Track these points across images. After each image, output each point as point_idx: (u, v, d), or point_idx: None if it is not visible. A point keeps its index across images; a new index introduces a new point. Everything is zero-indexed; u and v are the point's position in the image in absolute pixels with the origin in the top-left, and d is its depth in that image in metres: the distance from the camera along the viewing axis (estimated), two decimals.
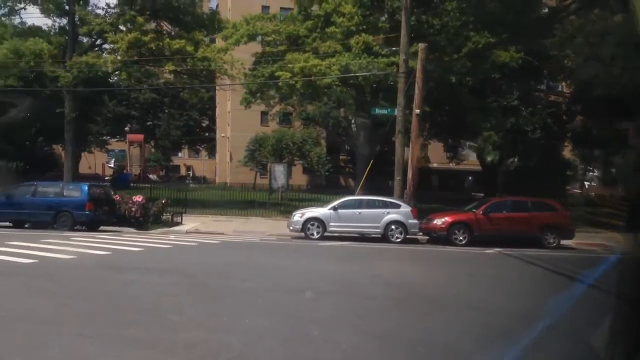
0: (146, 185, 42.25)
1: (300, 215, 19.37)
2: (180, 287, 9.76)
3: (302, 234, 19.11)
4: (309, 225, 19.07)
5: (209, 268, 11.97)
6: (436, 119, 32.50)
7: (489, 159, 29.51)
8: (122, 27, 26.73)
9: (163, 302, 8.55)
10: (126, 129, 55.69)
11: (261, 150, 41.64)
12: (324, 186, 47.56)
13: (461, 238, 18.71)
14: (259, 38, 26.94)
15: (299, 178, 50.21)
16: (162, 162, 69.82)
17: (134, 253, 13.83)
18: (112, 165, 62.36)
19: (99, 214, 19.57)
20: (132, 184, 44.98)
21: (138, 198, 21.49)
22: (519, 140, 31.10)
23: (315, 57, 23.73)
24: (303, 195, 31.48)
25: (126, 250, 14.17)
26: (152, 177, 58.90)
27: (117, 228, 20.59)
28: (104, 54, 27.42)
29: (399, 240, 18.80)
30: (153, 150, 70.05)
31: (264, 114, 51.52)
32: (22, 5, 27.35)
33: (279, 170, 30.77)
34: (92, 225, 19.57)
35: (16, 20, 27.99)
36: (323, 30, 25.35)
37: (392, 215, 19.06)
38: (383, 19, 25.57)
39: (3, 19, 27.64)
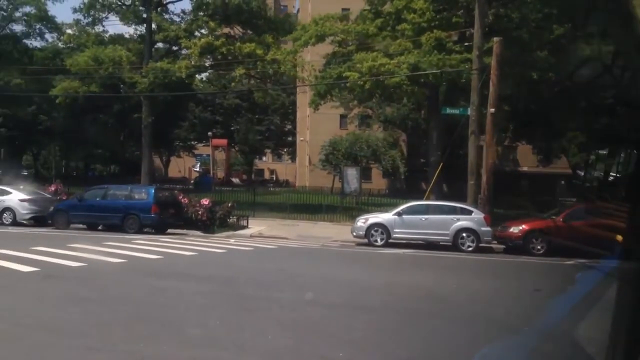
0: (227, 188, 43.03)
1: (363, 221, 18.53)
2: (214, 296, 9.30)
3: (366, 240, 18.26)
4: (372, 232, 18.19)
5: (252, 276, 11.44)
6: (521, 119, 30.39)
7: (573, 161, 27.07)
8: (197, 33, 27.15)
9: (189, 313, 8.13)
10: (209, 133, 57.05)
11: (335, 154, 41.08)
12: (403, 190, 46.20)
13: (539, 247, 17.11)
14: (329, 39, 26.29)
15: (379, 182, 49.17)
16: (244, 166, 71.15)
17: (185, 257, 13.59)
18: (197, 169, 64.32)
19: (165, 217, 19.69)
20: (214, 188, 45.99)
21: (205, 201, 21.51)
22: (613, 141, 28.41)
23: (384, 56, 22.78)
24: (378, 200, 30.50)
25: (179, 254, 13.98)
26: (235, 180, 60.11)
27: (183, 231, 20.68)
28: (179, 60, 27.92)
29: (470, 249, 17.46)
30: (238, 154, 71.58)
31: (342, 117, 51.03)
32: (105, 15, 28.49)
33: (351, 173, 29.97)
34: (159, 228, 19.73)
35: (99, 29, 29.20)
36: (393, 28, 24.37)
37: (462, 222, 17.76)
38: (458, 13, 24.14)
39: (87, 28, 28.89)
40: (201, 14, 26.57)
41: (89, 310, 8.00)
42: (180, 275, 11.04)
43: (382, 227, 18.15)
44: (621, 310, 4.02)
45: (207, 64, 26.94)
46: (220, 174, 62.99)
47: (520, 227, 17.56)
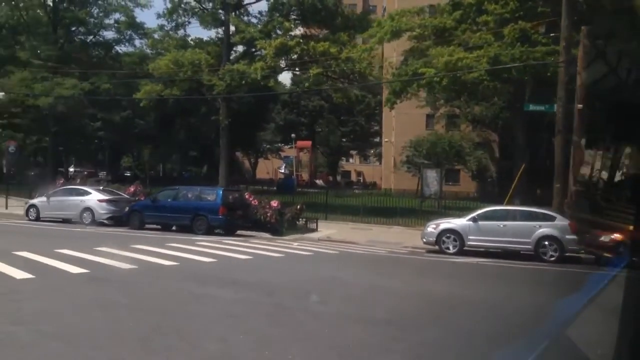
0: (311, 190, 42.98)
1: (434, 227, 17.36)
2: (249, 306, 8.72)
3: (437, 248, 17.07)
4: (443, 238, 16.98)
5: (300, 284, 10.77)
6: (617, 117, 27.46)
7: None
8: (272, 34, 27.04)
9: (215, 324, 7.59)
10: (292, 135, 57.41)
11: (416, 155, 39.62)
12: (494, 194, 43.75)
13: (635, 259, 15.08)
14: (406, 35, 25.16)
15: (468, 185, 47.02)
16: (328, 168, 70.98)
17: (238, 262, 13.20)
18: (283, 171, 64.96)
19: (233, 218, 19.56)
20: (297, 189, 46.07)
21: (274, 203, 21.20)
22: None
23: (462, 50, 21.35)
24: (462, 204, 28.91)
25: (233, 258, 13.62)
26: (319, 182, 60.02)
27: (252, 233, 20.48)
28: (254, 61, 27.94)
29: (552, 259, 15.81)
30: (324, 156, 71.65)
31: (429, 117, 49.34)
32: (187, 19, 29.15)
33: (431, 175, 28.61)
34: (227, 230, 19.63)
35: (181, 33, 29.91)
36: (474, 21, 22.85)
37: (544, 229, 16.11)
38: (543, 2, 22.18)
39: (170, 32, 29.71)
40: (277, 14, 26.41)
41: (113, 318, 7.67)
42: (223, 281, 10.59)
43: (454, 233, 16.89)
44: (628, 314, 3.97)
45: (282, 65, 26.70)
46: (305, 175, 63.32)
47: (612, 236, 15.62)
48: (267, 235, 20.34)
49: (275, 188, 44.94)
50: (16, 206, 25.28)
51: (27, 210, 22.42)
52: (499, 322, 8.41)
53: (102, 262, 11.96)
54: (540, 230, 16.15)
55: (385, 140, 57.84)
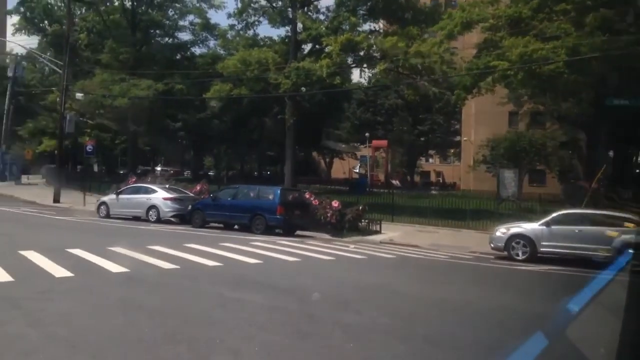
0: (384, 190, 42.07)
1: (503, 231, 16.08)
2: (277, 314, 8.16)
3: (505, 253, 15.79)
4: (513, 244, 15.69)
5: (339, 291, 10.06)
6: None
7: None
8: (340, 30, 26.41)
9: (236, 333, 7.09)
10: (367, 134, 56.49)
11: (494, 154, 37.55)
12: (582, 196, 40.81)
13: None
14: (479, 27, 23.69)
15: (555, 186, 44.19)
16: (405, 168, 69.35)
17: (284, 264, 12.69)
18: (357, 171, 64.26)
19: (291, 218, 19.16)
20: (369, 190, 45.28)
21: (334, 203, 20.60)
22: None
23: (538, 40, 19.72)
24: (543, 206, 26.95)
25: (281, 260, 13.14)
26: (395, 182, 58.80)
27: (311, 233, 20.01)
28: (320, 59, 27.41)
29: (637, 269, 14.07)
30: (403, 156, 70.13)
31: (512, 114, 46.90)
32: (257, 18, 29.17)
33: (508, 176, 26.97)
34: (285, 229, 19.26)
35: (251, 33, 29.97)
36: (551, 10, 21.09)
37: (626, 235, 14.44)
38: None
39: (241, 32, 29.85)
40: (343, 9, 25.77)
41: (130, 322, 7.33)
42: (260, 284, 10.09)
43: (525, 238, 15.56)
44: (631, 313, 3.98)
45: (349, 62, 26.08)
46: (381, 176, 62.23)
47: None
48: (327, 236, 19.79)
49: (345, 188, 44.41)
50: (94, 203, 26.24)
51: (98, 208, 23.16)
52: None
53: (146, 260, 11.84)
54: (624, 237, 14.48)
55: (464, 139, 55.77)
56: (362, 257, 14.58)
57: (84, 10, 42.11)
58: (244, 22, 29.51)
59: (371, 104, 61.07)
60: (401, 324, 7.93)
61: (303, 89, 31.19)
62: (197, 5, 34.83)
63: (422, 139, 63.18)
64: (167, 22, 36.76)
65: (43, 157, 52.79)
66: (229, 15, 30.00)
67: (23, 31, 50.58)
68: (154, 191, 22.10)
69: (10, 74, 52.87)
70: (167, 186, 23.46)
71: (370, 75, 45.82)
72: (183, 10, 35.76)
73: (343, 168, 74.09)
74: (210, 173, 67.92)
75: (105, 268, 10.80)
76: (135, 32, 34.58)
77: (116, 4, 34.84)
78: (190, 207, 21.04)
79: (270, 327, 7.46)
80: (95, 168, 68.26)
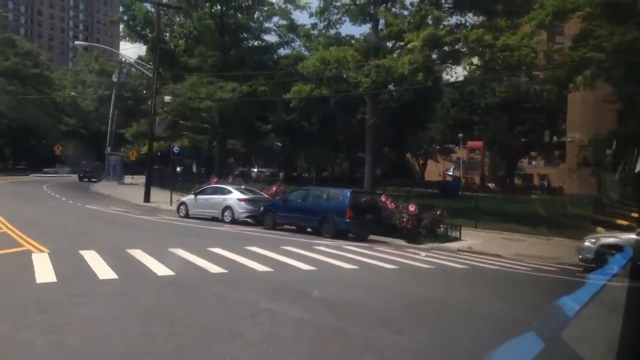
0: (479, 194, 40.05)
1: (593, 241, 14.28)
2: (307, 329, 7.45)
3: (594, 266, 13.99)
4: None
5: (387, 306, 9.10)
6: None
7: None
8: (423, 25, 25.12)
9: (254, 350, 6.51)
10: (460, 135, 54.10)
11: (596, 156, 34.17)
12: None
13: None
14: (573, 16, 21.48)
15: None
16: (505, 171, 65.80)
17: (338, 272, 11.90)
18: (451, 173, 61.91)
19: (362, 222, 18.29)
20: (460, 193, 43.30)
21: (411, 207, 19.48)
22: None
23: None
24: None
25: (337, 267, 12.37)
26: (492, 186, 55.94)
27: (386, 239, 19.04)
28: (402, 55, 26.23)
29: None
30: (500, 158, 66.69)
31: (620, 112, 42.79)
32: (338, 16, 28.57)
33: (610, 179, 24.34)
34: (356, 234, 18.43)
35: (333, 31, 29.38)
36: None
37: None
38: None
39: (323, 31, 29.37)
40: (427, 3, 24.46)
41: (148, 333, 6.87)
42: (301, 294, 9.38)
43: (617, 249, 13.66)
44: (630, 313, 4.08)
45: (434, 57, 24.75)
46: (477, 178, 59.41)
47: None
48: (402, 242, 18.73)
49: (436, 191, 42.68)
50: None
51: (178, 208, 23.59)
52: None
53: (198, 263, 11.56)
54: None
55: (568, 139, 51.70)
56: (429, 267, 13.46)
57: (182, 18, 43.75)
58: (326, 20, 29.02)
59: (466, 104, 58.47)
60: (446, 350, 6.91)
61: (391, 87, 30.34)
62: (283, 6, 34.98)
63: (523, 139, 59.55)
64: (253, 24, 37.15)
65: (149, 158, 55.41)
66: (311, 14, 29.72)
67: (127, 39, 53.65)
68: (229, 192, 22.13)
69: (114, 79, 56.47)
70: (242, 187, 23.44)
71: (467, 72, 43.83)
72: (269, 12, 36.02)
73: (438, 170, 71.88)
74: (305, 175, 68.43)
75: (152, 271, 10.60)
76: (224, 36, 35.27)
77: (206, 9, 35.68)
78: (262, 208, 20.79)
79: (292, 345, 6.77)
80: (194, 169, 71.26)
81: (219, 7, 35.84)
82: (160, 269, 10.73)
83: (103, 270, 10.39)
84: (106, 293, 8.87)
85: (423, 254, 15.82)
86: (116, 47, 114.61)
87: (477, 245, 18.26)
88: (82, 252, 12.14)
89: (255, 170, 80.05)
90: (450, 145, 64.41)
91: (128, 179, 52.53)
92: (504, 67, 24.86)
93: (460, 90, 56.06)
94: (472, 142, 56.46)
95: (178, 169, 65.36)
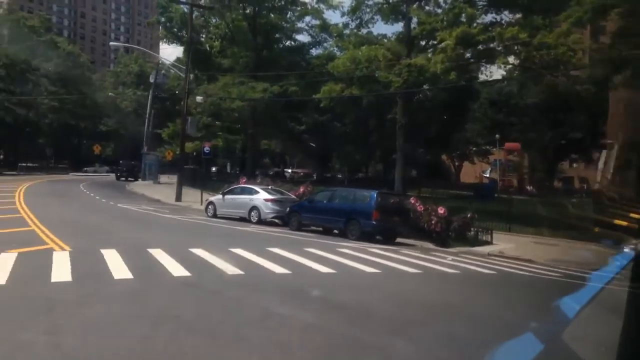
0: (513, 197, 39.12)
1: (631, 247, 13.53)
2: (318, 335, 7.17)
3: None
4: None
5: (403, 313, 8.74)
6: None
7: None
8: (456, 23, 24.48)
9: (256, 357, 6.26)
10: (497, 136, 52.81)
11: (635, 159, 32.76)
12: None
13: None
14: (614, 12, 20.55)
15: None
16: (544, 173, 63.94)
17: (360, 275, 11.56)
18: (487, 175, 60.60)
19: (389, 224, 17.86)
20: (496, 195, 42.34)
21: (440, 210, 18.96)
22: None
23: None
24: None
25: (358, 270, 12.03)
26: (530, 188, 54.49)
27: (415, 242, 18.59)
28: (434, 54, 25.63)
29: None
30: (539, 160, 64.90)
31: None
32: (370, 15, 28.20)
33: None
34: (383, 236, 18.03)
35: (365, 31, 28.98)
36: None
37: None
38: None
39: (354, 30, 29.01)
40: (460, 0, 23.80)
41: (151, 337, 6.67)
42: (315, 299, 9.11)
43: None
44: (631, 313, 4.04)
45: (467, 56, 24.14)
46: (514, 181, 58.06)
47: None
48: (430, 245, 18.25)
49: (472, 193, 41.83)
50: None
51: (206, 208, 23.61)
52: None
53: (215, 264, 11.41)
54: None
55: (609, 141, 49.95)
56: (454, 272, 12.98)
57: (217, 19, 44.04)
58: (358, 19, 28.65)
59: (504, 104, 57.05)
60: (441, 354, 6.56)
61: (425, 86, 29.75)
62: (315, 6, 34.76)
63: (563, 141, 57.72)
64: (286, 24, 37.06)
65: (186, 158, 56.13)
66: (343, 14, 29.40)
67: (164, 40, 54.42)
68: (256, 192, 22.01)
69: (151, 80, 57.34)
70: (269, 187, 23.28)
71: (504, 72, 42.78)
72: (301, 12, 35.85)
73: (475, 172, 70.56)
74: (339, 176, 68.14)
75: (168, 271, 10.49)
76: (256, 37, 35.28)
77: (239, 10, 35.74)
78: (287, 209, 20.58)
79: (297, 352, 6.52)
80: (229, 169, 71.87)
81: (251, 8, 35.85)
82: (177, 269, 10.60)
83: (120, 269, 10.32)
84: (117, 293, 8.77)
85: (450, 258, 15.32)
86: (156, 49, 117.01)
87: (509, 250, 17.64)
88: (103, 250, 12.14)
89: (290, 171, 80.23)
90: (487, 147, 63.05)
91: (164, 178, 53.12)
92: (541, 66, 24.05)
93: (498, 90, 54.76)
94: (510, 143, 55.10)
95: (213, 169, 66.01)
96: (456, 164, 70.68)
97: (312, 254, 13.66)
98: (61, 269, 10.06)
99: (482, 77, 34.52)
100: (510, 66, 25.85)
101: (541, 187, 59.33)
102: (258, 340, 6.78)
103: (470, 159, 67.38)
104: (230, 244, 14.45)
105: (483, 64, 26.70)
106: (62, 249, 12.51)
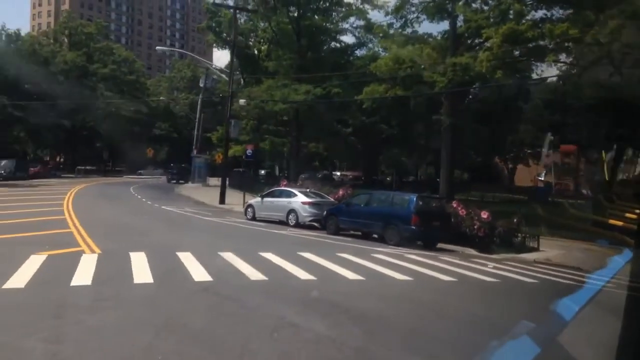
0: (569, 201, 37.55)
1: None
2: (328, 349, 6.72)
3: None
4: None
5: (423, 325, 8.14)
6: None
7: None
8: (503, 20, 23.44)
9: None
10: (551, 138, 50.59)
11: None
12: None
13: None
14: None
15: None
16: (597, 176, 60.97)
17: (390, 282, 11.01)
18: (542, 179, 58.20)
19: (428, 229, 17.15)
20: (550, 199, 40.69)
21: (483, 214, 18.12)
22: None
23: None
24: None
25: (389, 277, 11.48)
26: (586, 192, 51.98)
27: (457, 247, 17.82)
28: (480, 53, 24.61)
29: None
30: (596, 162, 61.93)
31: None
32: (415, 15, 27.47)
33: None
34: (423, 241, 17.34)
35: (409, 30, 28.20)
36: None
37: None
38: None
39: (400, 30, 28.32)
40: None
41: (152, 347, 6.36)
42: (335, 307, 8.59)
43: None
44: (630, 316, 3.98)
45: (516, 54, 23.09)
46: (571, 184, 55.68)
47: None
48: (473, 251, 17.45)
49: (525, 197, 40.32)
50: None
51: (246, 210, 23.49)
52: None
53: (240, 268, 11.17)
54: None
55: None
56: (493, 280, 12.21)
57: (265, 23, 44.16)
58: (403, 19, 27.93)
59: (559, 104, 54.64)
60: None
61: (475, 86, 28.81)
62: (360, 6, 34.24)
63: (622, 142, 54.76)
64: (330, 26, 36.71)
65: (235, 161, 56.60)
66: (387, 13, 28.75)
67: (214, 45, 55.09)
68: (294, 195, 21.70)
69: (201, 84, 58.27)
70: (307, 190, 22.92)
71: (558, 70, 40.97)
72: (346, 13, 35.44)
73: (530, 175, 68.09)
74: (388, 179, 67.25)
75: (190, 275, 10.28)
76: (300, 39, 35.13)
77: (283, 13, 35.64)
78: (325, 212, 20.15)
79: None
80: (277, 172, 72.13)
81: (296, 10, 35.73)
82: (199, 274, 10.39)
83: (142, 273, 10.20)
84: (132, 298, 8.60)
85: (491, 265, 14.50)
86: (210, 54, 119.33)
87: (557, 257, 16.64)
88: (131, 253, 12.09)
89: (338, 173, 79.75)
90: (543, 149, 60.62)
91: (213, 181, 53.77)
92: (594, 64, 22.73)
93: (552, 90, 52.51)
94: (566, 145, 52.81)
95: (262, 172, 66.44)
96: (509, 166, 68.46)
97: (343, 260, 13.21)
98: (84, 272, 10.01)
99: (534, 77, 33.08)
100: (562, 64, 24.62)
101: (598, 190, 56.56)
102: (265, 354, 6.44)
103: (525, 161, 65.07)
104: (262, 248, 14.17)
105: (533, 62, 25.51)
106: (93, 251, 12.56)
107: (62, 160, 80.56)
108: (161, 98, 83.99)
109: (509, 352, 6.00)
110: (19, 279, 9.25)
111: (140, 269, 10.59)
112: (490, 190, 46.65)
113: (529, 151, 62.77)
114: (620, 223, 19.95)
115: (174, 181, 54.63)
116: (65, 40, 78.50)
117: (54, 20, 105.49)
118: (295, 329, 7.39)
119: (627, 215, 20.68)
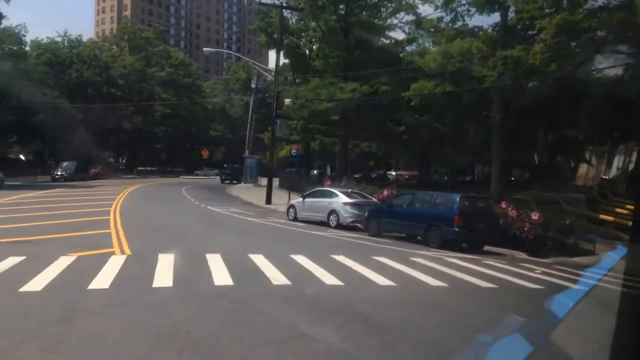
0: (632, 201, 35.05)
1: None
2: (327, 353, 6.22)
3: None
4: None
5: (447, 337, 7.44)
6: None
7: None
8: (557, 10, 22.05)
9: None
10: (616, 134, 47.68)
11: None
12: None
13: None
14: None
15: None
16: None
17: (424, 289, 10.32)
18: (605, 177, 55.12)
19: (472, 231, 16.21)
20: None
21: (534, 216, 17.02)
22: None
23: None
24: None
25: (423, 283, 10.78)
26: None
27: (506, 250, 16.83)
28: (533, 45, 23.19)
29: None
30: None
31: None
32: (465, 7, 26.35)
33: None
34: (469, 244, 16.43)
35: (460, 23, 27.05)
36: None
37: None
38: None
39: (450, 24, 27.24)
40: None
41: (148, 358, 6.11)
42: (356, 316, 8.01)
43: None
44: (625, 311, 4.03)
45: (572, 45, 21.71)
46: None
47: None
48: (522, 254, 16.42)
49: (582, 196, 38.12)
50: None
51: (287, 211, 23.13)
52: None
53: (265, 272, 10.78)
54: None
55: None
56: (536, 287, 11.28)
57: (315, 23, 43.80)
58: (453, 12, 26.86)
59: (624, 99, 51.62)
60: None
61: (523, 80, 27.40)
62: (409, 1, 33.25)
63: None
64: (378, 22, 35.89)
65: (287, 161, 56.52)
66: (436, 7, 27.74)
67: (265, 46, 55.21)
68: (335, 195, 21.14)
69: (253, 85, 58.67)
70: (350, 190, 22.31)
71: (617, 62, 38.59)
72: (394, 8, 34.54)
73: (589, 175, 64.86)
74: (445, 178, 65.61)
75: (212, 279, 10.02)
76: (347, 36, 34.55)
77: (331, 10, 35.16)
78: (366, 213, 19.47)
79: None
80: (328, 172, 71.75)
81: (343, 7, 35.15)
82: (221, 278, 10.09)
83: (163, 276, 9.98)
84: (144, 303, 8.31)
85: (539, 270, 13.50)
86: (265, 55, 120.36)
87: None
88: (160, 255, 11.97)
89: (394, 173, 78.47)
90: (606, 147, 57.46)
91: (264, 181, 54.06)
92: None
93: (617, 84, 49.64)
94: (633, 143, 49.75)
95: (315, 172, 66.20)
96: (572, 165, 65.44)
97: (377, 264, 12.61)
98: (106, 275, 9.88)
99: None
100: (623, 55, 22.97)
101: None
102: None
103: (588, 160, 61.96)
104: (295, 250, 13.79)
105: (590, 54, 23.88)
106: (123, 252, 12.50)
107: (123, 161, 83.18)
108: (214, 99, 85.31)
109: (502, 349, 5.93)
110: (39, 281, 9.19)
111: (164, 271, 10.38)
112: (548, 190, 44.52)
113: (592, 148, 59.76)
114: (610, 219, 20.67)
115: (227, 182, 55.22)
116: (125, 45, 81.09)
117: (116, 26, 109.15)
118: (306, 339, 6.88)
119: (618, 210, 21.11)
